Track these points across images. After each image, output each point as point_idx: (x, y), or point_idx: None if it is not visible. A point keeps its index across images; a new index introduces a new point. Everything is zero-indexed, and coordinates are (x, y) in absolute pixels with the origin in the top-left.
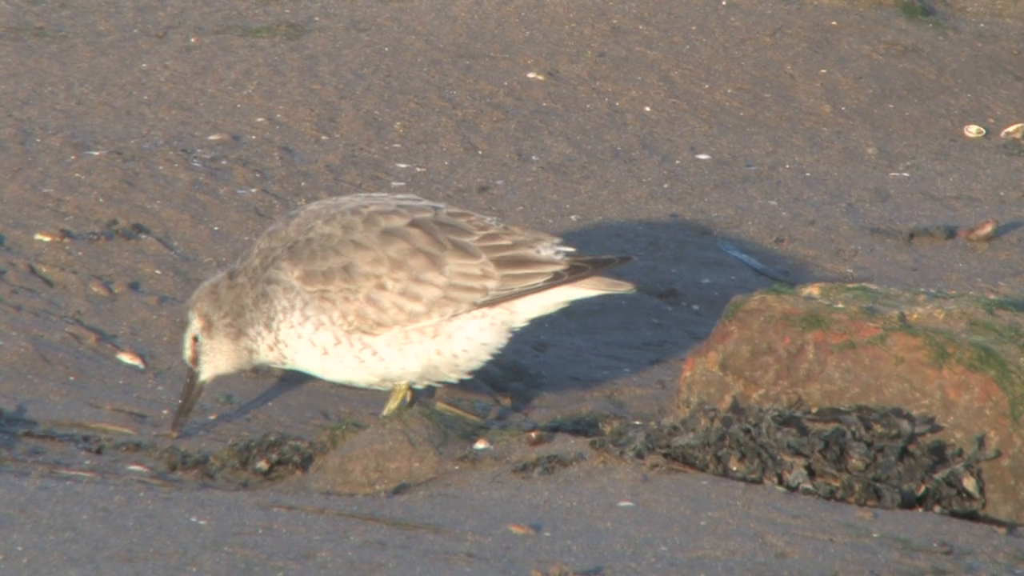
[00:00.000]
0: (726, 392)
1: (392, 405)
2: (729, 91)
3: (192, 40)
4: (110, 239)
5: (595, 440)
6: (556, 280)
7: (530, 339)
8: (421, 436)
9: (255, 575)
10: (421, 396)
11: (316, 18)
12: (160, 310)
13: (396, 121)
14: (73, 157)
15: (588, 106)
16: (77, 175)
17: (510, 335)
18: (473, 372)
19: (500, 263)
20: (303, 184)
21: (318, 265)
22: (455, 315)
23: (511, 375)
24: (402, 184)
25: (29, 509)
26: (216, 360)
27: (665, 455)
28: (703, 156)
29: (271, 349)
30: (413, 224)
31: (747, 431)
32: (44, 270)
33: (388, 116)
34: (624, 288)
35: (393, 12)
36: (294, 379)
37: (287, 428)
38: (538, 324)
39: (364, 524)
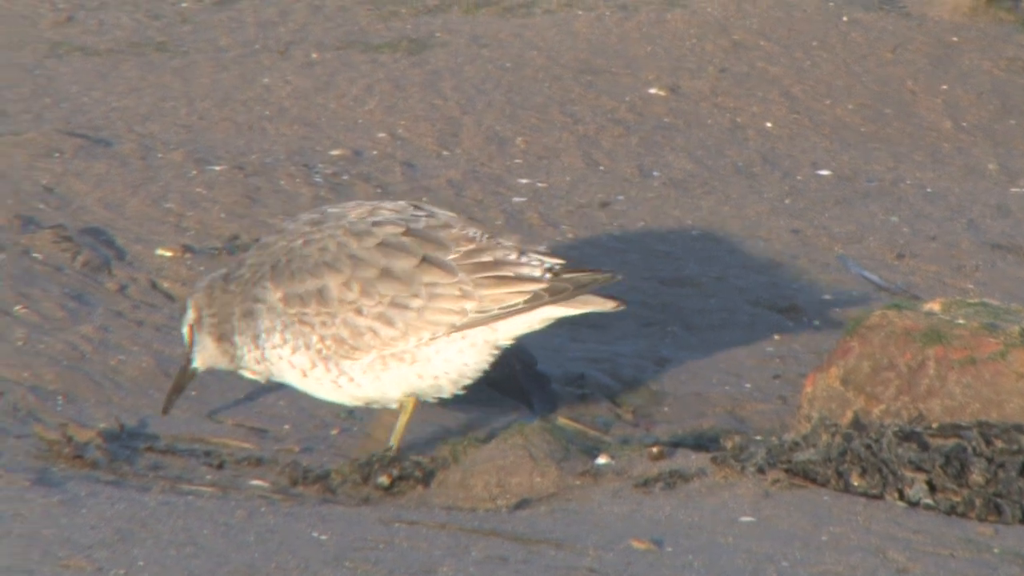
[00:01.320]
0: (847, 407)
1: (403, 419)
2: (850, 107)
3: (314, 56)
4: (231, 254)
5: (716, 455)
6: (536, 301)
7: (651, 354)
8: (543, 451)
9: None
10: (541, 412)
11: (438, 34)
12: None
13: (518, 136)
14: (195, 172)
15: (709, 122)
16: (199, 190)
17: (496, 352)
18: (465, 387)
19: (479, 282)
20: (424, 199)
21: (296, 287)
22: (433, 338)
23: (632, 390)
24: (523, 199)
25: (150, 524)
26: (204, 354)
27: (786, 470)
28: (824, 172)
29: (258, 363)
30: (385, 244)
31: (868, 446)
32: (166, 285)
33: (510, 131)
34: (610, 306)
35: (515, 28)
36: None
37: (408, 443)
38: (659, 339)
39: (486, 539)
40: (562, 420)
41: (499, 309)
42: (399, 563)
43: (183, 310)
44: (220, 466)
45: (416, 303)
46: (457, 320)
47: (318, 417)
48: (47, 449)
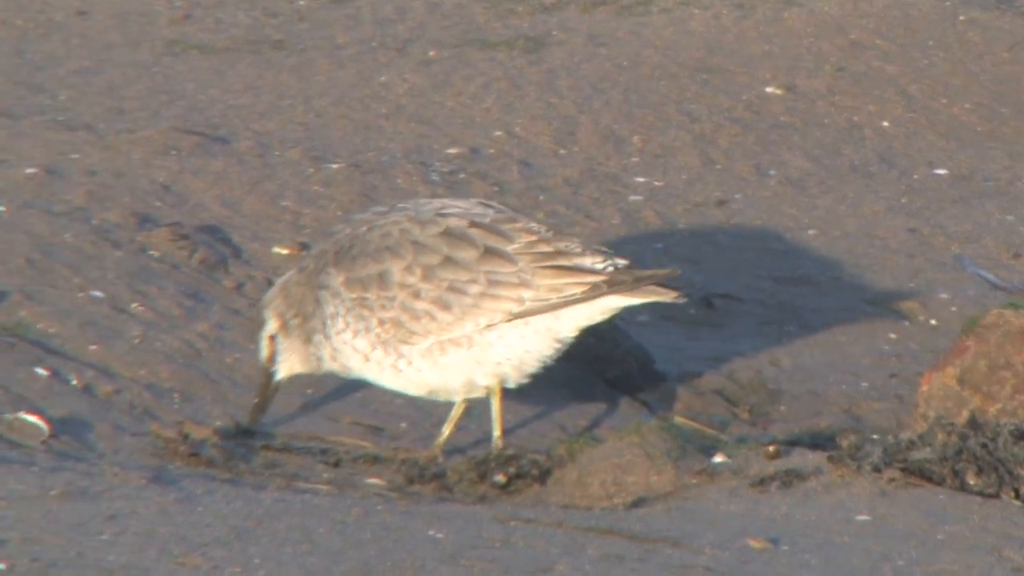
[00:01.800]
0: (963, 406)
1: (496, 405)
2: (967, 106)
3: (431, 54)
4: None
5: (832, 454)
6: (595, 291)
7: (766, 354)
8: (659, 450)
9: None
10: (657, 411)
11: (555, 32)
12: None
13: (634, 135)
14: (311, 170)
15: (826, 121)
16: (315, 188)
17: (560, 343)
18: (531, 376)
19: (538, 272)
20: (541, 198)
21: (357, 271)
22: (490, 325)
23: (749, 389)
24: (640, 198)
25: (266, 522)
26: (291, 360)
27: (902, 469)
28: (941, 171)
29: (333, 358)
30: (448, 232)
31: (984, 445)
32: None
33: (626, 130)
34: (671, 296)
35: (632, 26)
36: (529, 392)
37: (525, 441)
38: (775, 338)
39: (602, 538)
40: (679, 419)
41: (558, 298)
42: (515, 561)
43: (260, 322)
44: (336, 464)
45: (474, 289)
46: (514, 307)
47: (435, 415)
48: (163, 447)
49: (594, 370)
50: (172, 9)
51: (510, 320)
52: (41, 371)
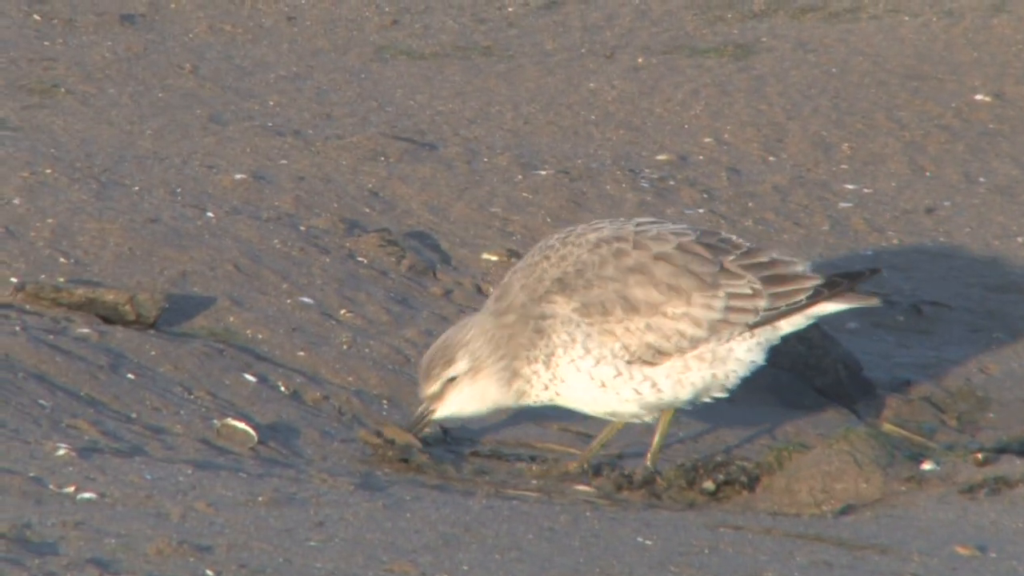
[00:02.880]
0: None
1: (661, 432)
2: None
3: (639, 60)
4: None
5: None
6: (817, 296)
7: (975, 361)
8: (868, 457)
9: None
10: (866, 418)
11: (763, 39)
12: None
13: (843, 142)
14: (520, 176)
15: None
16: (524, 194)
17: (769, 351)
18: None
19: (765, 281)
20: (750, 205)
21: (594, 296)
22: (730, 338)
23: (957, 396)
24: (849, 205)
25: (474, 528)
26: (465, 403)
27: None
28: None
29: (546, 388)
30: (680, 248)
31: None
32: (490, 289)
33: (835, 137)
34: (873, 302)
35: (840, 33)
36: (738, 400)
37: (734, 448)
38: (984, 345)
39: (810, 544)
40: (887, 426)
41: (786, 306)
42: (724, 568)
43: (446, 363)
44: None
45: (718, 304)
46: (751, 319)
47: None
48: (372, 453)
49: (803, 378)
50: (381, 15)
51: (742, 332)
52: (249, 377)
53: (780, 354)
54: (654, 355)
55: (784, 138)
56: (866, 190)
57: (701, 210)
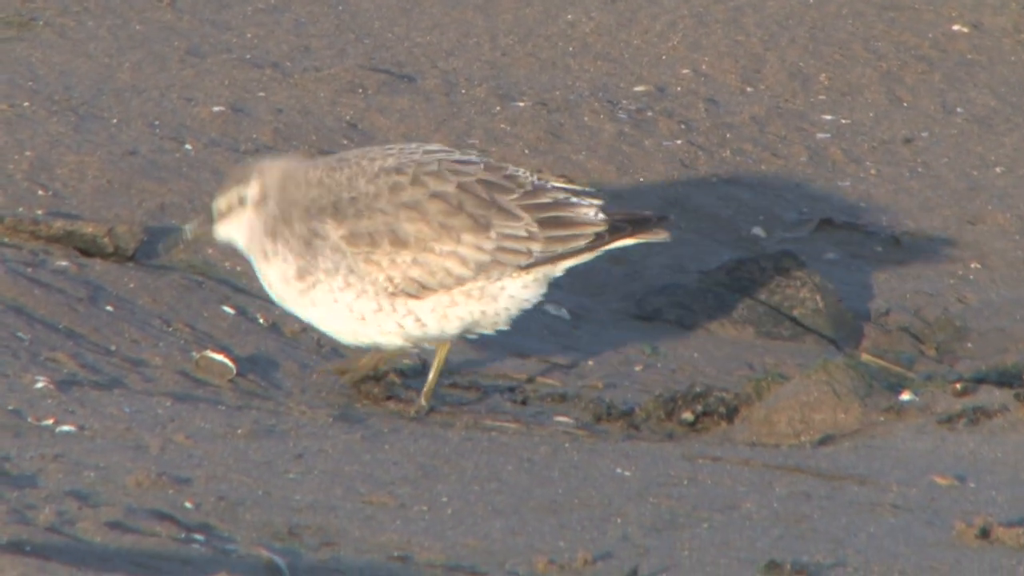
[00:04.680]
0: None
1: (436, 367)
2: None
3: None
4: None
5: (1020, 391)
6: (598, 242)
7: (952, 292)
8: (846, 387)
9: (680, 526)
10: (844, 348)
11: None
12: None
13: (821, 72)
14: (498, 108)
15: (1012, 58)
16: (502, 126)
17: (549, 284)
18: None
19: (543, 223)
20: (728, 136)
21: (363, 226)
22: (500, 277)
23: (935, 327)
24: (827, 136)
25: (454, 460)
26: (240, 234)
27: None
28: None
29: (293, 288)
30: (460, 187)
31: None
32: None
33: (813, 68)
34: (662, 236)
35: None
36: (715, 331)
37: (712, 379)
38: (961, 275)
39: (789, 475)
40: (865, 356)
41: (563, 250)
42: (703, 499)
43: (238, 178)
44: (524, 402)
45: (489, 245)
46: (523, 261)
47: (622, 353)
48: (349, 386)
49: (781, 308)
50: None
51: (514, 272)
52: (227, 309)
53: (756, 284)
54: (419, 289)
55: (761, 69)
56: (844, 120)
57: (679, 141)
